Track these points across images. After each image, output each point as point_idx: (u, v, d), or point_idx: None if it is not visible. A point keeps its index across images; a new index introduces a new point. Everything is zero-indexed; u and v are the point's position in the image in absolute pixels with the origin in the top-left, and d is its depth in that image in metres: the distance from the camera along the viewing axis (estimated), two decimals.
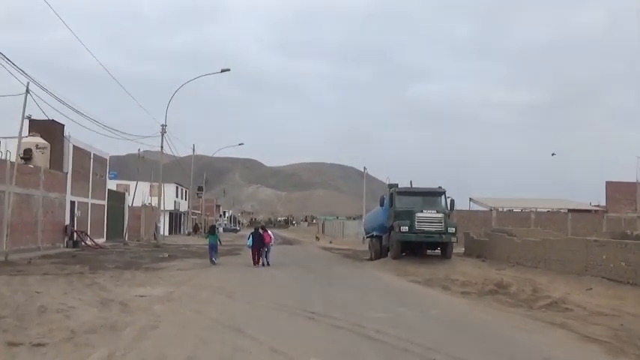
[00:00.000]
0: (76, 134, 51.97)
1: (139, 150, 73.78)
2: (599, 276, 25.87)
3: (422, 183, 44.04)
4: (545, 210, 74.77)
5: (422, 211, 38.02)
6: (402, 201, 40.21)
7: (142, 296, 20.70)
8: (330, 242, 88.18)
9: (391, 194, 41.54)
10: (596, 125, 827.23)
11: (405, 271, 34.68)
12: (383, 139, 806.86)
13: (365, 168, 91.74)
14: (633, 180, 75.55)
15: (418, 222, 37.66)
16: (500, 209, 72.51)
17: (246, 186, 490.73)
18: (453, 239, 38.28)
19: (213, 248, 39.20)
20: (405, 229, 37.69)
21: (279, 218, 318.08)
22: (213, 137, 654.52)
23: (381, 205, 42.61)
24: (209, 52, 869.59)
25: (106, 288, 22.87)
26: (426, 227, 37.70)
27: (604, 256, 26.10)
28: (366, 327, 15.35)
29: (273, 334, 14.19)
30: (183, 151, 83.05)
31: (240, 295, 22.34)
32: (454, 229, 38.50)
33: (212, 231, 41.74)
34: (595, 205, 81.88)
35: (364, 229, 56.77)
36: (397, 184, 42.42)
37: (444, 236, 37.76)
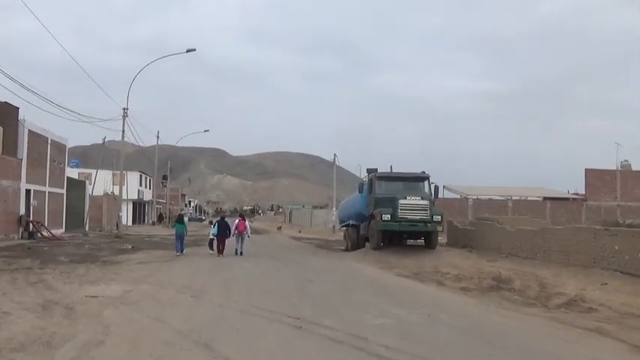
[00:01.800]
0: (35, 121, 49.03)
1: (103, 139, 70.37)
2: (610, 269, 23.62)
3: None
4: (523, 198, 72.38)
5: (405, 198, 35.08)
6: (383, 187, 37.38)
7: (92, 297, 17.65)
8: (300, 232, 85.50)
9: (370, 180, 38.73)
10: (567, 114, 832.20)
11: (387, 263, 32.03)
12: (350, 129, 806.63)
13: (335, 155, 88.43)
14: (613, 167, 73.57)
15: (401, 209, 34.74)
16: (475, 197, 70.02)
17: (212, 175, 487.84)
18: (439, 228, 35.54)
19: (180, 238, 37.07)
20: (387, 217, 34.80)
21: (245, 208, 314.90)
22: (179, 127, 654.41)
23: (360, 191, 39.79)
24: (175, 42, 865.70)
25: (54, 287, 19.77)
26: (410, 215, 34.79)
27: (616, 247, 23.68)
28: (368, 339, 12.40)
29: (253, 353, 11.26)
30: (148, 141, 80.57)
31: (209, 294, 19.25)
32: (440, 217, 35.52)
33: (180, 220, 39.51)
34: (573, 193, 79.50)
35: (339, 218, 53.86)
36: (376, 169, 39.21)
37: (429, 225, 34.88)
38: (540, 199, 73.17)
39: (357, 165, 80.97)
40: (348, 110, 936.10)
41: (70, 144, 61.73)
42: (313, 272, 27.61)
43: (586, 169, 73.96)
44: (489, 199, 70.68)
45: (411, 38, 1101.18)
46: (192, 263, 31.14)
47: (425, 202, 35.25)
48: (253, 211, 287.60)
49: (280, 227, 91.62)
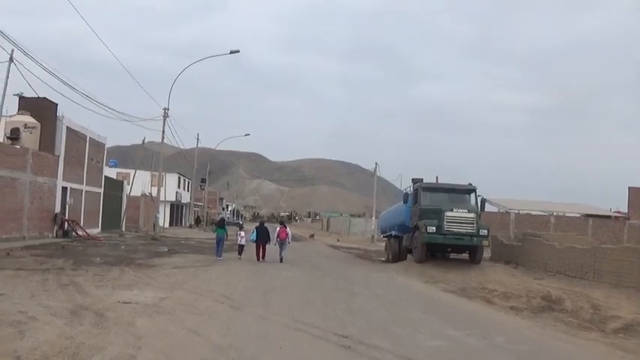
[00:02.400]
0: (74, 119, 48.46)
1: (143, 139, 69.62)
2: None
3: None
4: (564, 214, 70.87)
5: (452, 210, 33.95)
6: (429, 198, 36.21)
7: (125, 303, 16.62)
8: (338, 240, 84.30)
9: (416, 190, 37.41)
10: (604, 130, 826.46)
11: (431, 276, 30.90)
12: (386, 138, 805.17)
13: (376, 164, 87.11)
14: None
15: (447, 222, 33.62)
16: (516, 211, 68.67)
17: (250, 180, 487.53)
18: (485, 242, 34.50)
19: (220, 242, 36.47)
20: (432, 229, 33.60)
21: (282, 214, 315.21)
22: (219, 130, 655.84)
23: (405, 201, 38.35)
24: (215, 46, 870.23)
25: (85, 290, 18.79)
26: (456, 228, 33.65)
27: None
28: None
29: None
30: (188, 144, 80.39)
31: (249, 305, 18.12)
32: (486, 231, 34.34)
33: (221, 224, 38.97)
34: (616, 212, 77.90)
35: (380, 228, 52.83)
36: (422, 179, 38.08)
37: (474, 239, 33.69)
38: (581, 215, 71.44)
39: (398, 175, 79.73)
40: (388, 119, 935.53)
41: (109, 144, 61.38)
42: (356, 284, 26.56)
43: (629, 188, 72.44)
44: (530, 214, 69.27)
45: (451, 49, 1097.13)
46: (231, 270, 30.10)
47: (472, 215, 34.09)
48: (290, 218, 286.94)
49: (313, 235, 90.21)
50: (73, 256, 30.70)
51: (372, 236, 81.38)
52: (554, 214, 68.50)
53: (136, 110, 65.72)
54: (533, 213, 69.32)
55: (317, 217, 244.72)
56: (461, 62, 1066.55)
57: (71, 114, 46.89)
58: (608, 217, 73.57)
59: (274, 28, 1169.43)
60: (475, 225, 33.74)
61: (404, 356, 11.87)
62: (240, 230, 39.96)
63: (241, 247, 37.93)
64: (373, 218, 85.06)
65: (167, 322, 14.22)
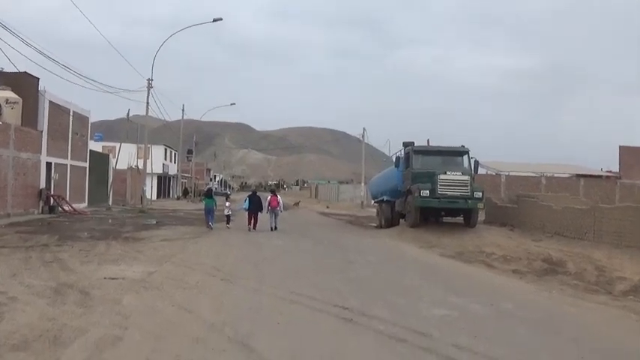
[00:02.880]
0: (58, 94, 47.53)
1: (127, 111, 68.81)
2: None
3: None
4: (555, 175, 70.17)
5: (445, 173, 33.30)
6: (421, 161, 35.50)
7: (111, 279, 15.89)
8: (327, 207, 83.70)
9: (407, 153, 36.66)
10: (591, 91, 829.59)
11: (427, 241, 30.26)
12: (372, 105, 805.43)
13: (364, 129, 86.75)
14: None
15: (441, 185, 32.94)
16: (507, 173, 67.99)
17: (237, 150, 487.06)
18: (480, 205, 33.68)
19: (210, 212, 36.75)
20: (425, 193, 32.94)
21: (270, 182, 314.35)
22: (205, 102, 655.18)
23: (396, 165, 37.78)
24: (199, 17, 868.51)
25: (70, 267, 18.00)
26: (450, 191, 33.01)
27: None
28: (434, 336, 10.61)
29: (301, 354, 9.42)
30: (173, 116, 79.82)
31: (241, 277, 17.30)
32: (481, 193, 33.70)
33: (209, 194, 39.47)
34: (607, 171, 77.32)
35: (371, 194, 51.99)
36: (413, 142, 37.10)
37: (469, 202, 33.07)
38: (572, 176, 70.78)
39: (387, 140, 78.99)
40: (373, 86, 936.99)
41: (94, 118, 60.83)
42: (350, 251, 25.82)
43: (620, 147, 72.28)
44: (520, 175, 68.56)
45: (436, 14, 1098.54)
46: (220, 240, 29.45)
47: (466, 177, 33.46)
48: (278, 186, 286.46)
49: (298, 203, 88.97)
50: (59, 231, 29.93)
51: (362, 202, 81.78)
52: (545, 174, 67.73)
53: (121, 84, 65.26)
54: (524, 174, 68.52)
55: (305, 185, 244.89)
56: (447, 26, 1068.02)
57: (54, 89, 45.75)
58: (599, 176, 72.98)
59: None
60: (469, 187, 33.16)
61: (410, 328, 11.10)
62: (226, 200, 40.54)
63: (228, 217, 38.41)
64: (362, 184, 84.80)
65: (155, 299, 13.42)
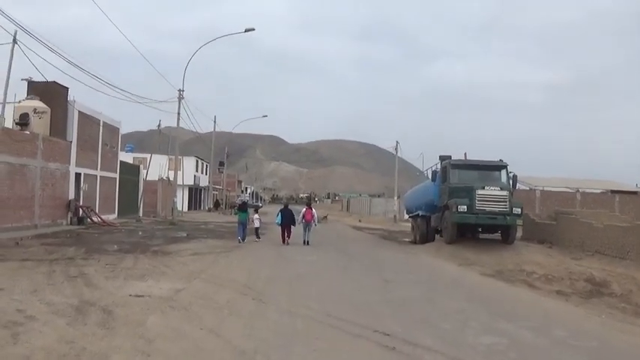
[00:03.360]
0: (89, 105, 47.12)
1: (159, 122, 68.39)
2: None
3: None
4: (590, 191, 68.85)
5: (483, 188, 32.36)
6: (458, 175, 34.51)
7: (137, 296, 15.10)
8: (360, 220, 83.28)
9: (444, 167, 35.67)
10: (622, 106, 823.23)
11: (464, 258, 29.30)
12: (404, 119, 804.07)
13: (397, 142, 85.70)
14: None
15: (479, 200, 32.00)
16: (541, 188, 66.80)
17: (268, 162, 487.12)
18: (519, 221, 33.11)
19: (243, 226, 36.06)
20: (463, 208, 31.99)
21: (301, 195, 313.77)
22: (237, 114, 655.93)
23: (433, 179, 36.86)
24: (228, 30, 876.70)
25: (94, 282, 17.22)
26: (489, 207, 32.05)
27: None
28: None
29: None
30: (205, 128, 79.98)
31: (274, 296, 16.36)
32: (520, 209, 32.95)
33: (243, 207, 38.59)
34: None
35: (406, 208, 50.84)
36: (450, 156, 36.44)
37: (508, 218, 32.02)
38: (607, 192, 69.47)
39: (420, 154, 78.19)
40: (406, 99, 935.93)
41: (126, 130, 60.75)
42: (387, 269, 24.80)
43: None
44: (555, 191, 67.30)
45: (466, 28, 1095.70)
46: (252, 255, 28.58)
47: (504, 192, 32.51)
48: (309, 199, 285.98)
49: (326, 217, 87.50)
50: (86, 244, 29.37)
51: (395, 216, 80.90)
52: (580, 190, 66.50)
53: (152, 95, 64.83)
54: (558, 190, 67.31)
55: (336, 198, 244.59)
56: (475, 40, 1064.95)
57: (84, 100, 45.31)
58: (634, 192, 71.66)
59: (288, 10, 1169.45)
60: (508, 203, 32.21)
61: (457, 358, 10.18)
62: (255, 213, 39.96)
63: (257, 230, 37.89)
64: (395, 198, 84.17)
65: (182, 320, 12.55)
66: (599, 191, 69.20)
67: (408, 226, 49.42)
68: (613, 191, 68.60)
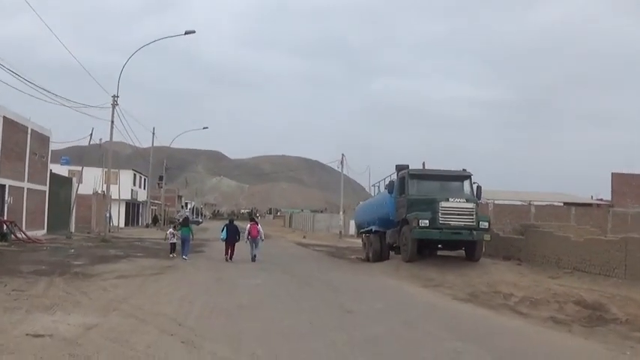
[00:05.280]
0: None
1: (91, 130, 64.65)
2: None
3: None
4: (544, 203, 66.63)
5: (447, 200, 29.43)
6: (417, 186, 31.72)
7: (35, 336, 11.79)
8: (304, 237, 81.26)
9: (401, 177, 32.77)
10: (566, 124, 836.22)
11: (428, 279, 26.28)
12: (349, 135, 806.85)
13: (343, 155, 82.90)
14: None
15: (443, 214, 29.12)
16: (492, 202, 64.48)
17: (209, 177, 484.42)
18: (486, 237, 29.86)
19: (185, 242, 34.98)
20: (425, 222, 29.05)
21: (242, 210, 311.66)
22: (177, 129, 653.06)
23: (390, 191, 33.46)
24: (174, 45, 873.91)
25: None
26: (453, 221, 29.17)
27: None
28: None
29: None
30: (146, 143, 77.53)
31: (210, 337, 12.69)
32: (487, 223, 30.08)
33: (185, 223, 37.46)
34: (598, 199, 74.69)
35: (356, 223, 48.27)
36: (407, 165, 33.42)
37: (474, 233, 29.14)
38: (561, 204, 67.43)
39: (367, 167, 75.81)
40: (347, 116, 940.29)
41: (66, 144, 60.42)
42: (346, 295, 21.30)
43: (612, 174, 70.30)
44: (509, 204, 65.02)
45: (410, 45, 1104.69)
46: (187, 278, 25.19)
47: (471, 205, 29.77)
48: (251, 214, 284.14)
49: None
50: (1, 263, 26.11)
51: (340, 232, 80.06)
52: (533, 202, 64.26)
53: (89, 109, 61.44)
54: (512, 203, 65.04)
55: (278, 214, 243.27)
56: (422, 58, 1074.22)
57: (18, 110, 42.09)
58: (589, 204, 69.90)
59: (232, 24, 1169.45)
60: (475, 217, 29.45)
61: None
62: (171, 228, 40.61)
63: (173, 246, 36.05)
64: (341, 213, 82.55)
65: None
66: (552, 203, 67.29)
67: (354, 242, 47.18)
68: (566, 203, 66.78)
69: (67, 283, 20.41)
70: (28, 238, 41.52)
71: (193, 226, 41.70)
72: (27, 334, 11.83)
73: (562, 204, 67.34)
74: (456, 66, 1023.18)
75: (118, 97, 51.58)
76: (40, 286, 19.06)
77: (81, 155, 66.59)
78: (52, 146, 55.13)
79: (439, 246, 32.02)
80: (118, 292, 18.84)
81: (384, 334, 13.98)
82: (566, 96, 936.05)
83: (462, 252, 31.71)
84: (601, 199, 74.54)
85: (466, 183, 32.22)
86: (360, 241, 46.29)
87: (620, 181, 69.12)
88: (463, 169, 32.94)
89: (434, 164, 32.18)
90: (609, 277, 23.81)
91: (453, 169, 33.32)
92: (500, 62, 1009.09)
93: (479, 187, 32.31)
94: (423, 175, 32.59)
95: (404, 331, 14.57)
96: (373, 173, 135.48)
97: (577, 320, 16.75)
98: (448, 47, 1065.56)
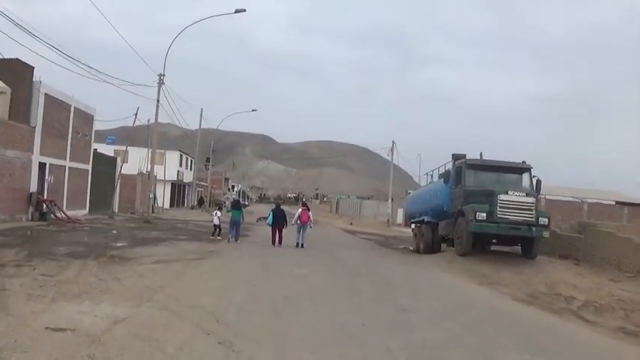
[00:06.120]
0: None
1: (136, 110, 63.71)
2: None
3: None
4: (595, 201, 64.60)
5: (507, 193, 27.80)
6: (474, 177, 30.23)
7: (56, 330, 10.54)
8: (351, 224, 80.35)
9: (458, 167, 31.27)
10: (617, 121, 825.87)
11: (483, 275, 24.86)
12: (396, 123, 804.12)
13: (393, 142, 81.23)
14: None
15: (501, 207, 27.50)
16: (543, 197, 62.67)
17: (257, 161, 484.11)
18: (545, 234, 28.01)
19: (235, 225, 34.75)
20: (482, 216, 27.46)
21: (289, 195, 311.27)
22: (225, 113, 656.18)
23: (446, 181, 32.04)
24: (222, 31, 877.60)
25: (8, 304, 12.57)
26: (512, 215, 27.55)
27: None
28: None
29: None
30: (194, 126, 77.51)
31: (250, 337, 11.29)
32: (547, 220, 28.17)
33: (236, 205, 37.40)
34: None
35: (407, 212, 46.70)
36: (465, 155, 31.85)
37: (534, 229, 27.46)
38: (613, 203, 65.35)
39: (418, 154, 74.13)
40: (396, 105, 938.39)
41: (114, 125, 61.80)
42: (400, 290, 19.89)
43: None
44: (561, 200, 63.02)
45: (460, 37, 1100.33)
46: (229, 264, 24.01)
47: (530, 199, 28.12)
48: (297, 199, 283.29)
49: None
50: (36, 244, 24.74)
51: (388, 220, 79.38)
52: (586, 200, 62.25)
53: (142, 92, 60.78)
54: (564, 199, 63.01)
55: (325, 199, 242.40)
56: (471, 48, 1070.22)
57: (58, 85, 41.19)
58: None
59: (281, 10, 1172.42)
60: (534, 212, 27.82)
61: None
62: (217, 209, 39.35)
63: (216, 228, 35.95)
64: (389, 201, 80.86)
65: None
66: (606, 202, 65.19)
67: (402, 231, 45.78)
68: (619, 202, 64.72)
69: (100, 267, 19.18)
70: (68, 217, 40.67)
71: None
72: (47, 328, 10.63)
73: (614, 203, 65.45)
74: (504, 57, 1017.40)
75: (164, 75, 50.78)
76: (71, 271, 17.86)
77: (129, 136, 65.76)
78: (100, 126, 54.39)
79: (494, 241, 30.60)
80: (155, 279, 17.60)
81: (444, 340, 12.52)
82: (617, 92, 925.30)
83: (516, 248, 30.33)
84: None
85: (525, 176, 30.73)
86: (409, 230, 45.33)
87: None
88: (523, 162, 31.35)
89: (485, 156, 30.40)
90: None
91: (512, 161, 31.61)
92: (550, 55, 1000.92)
93: (539, 181, 30.70)
94: (481, 166, 30.87)
95: (466, 336, 13.10)
96: (426, 161, 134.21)
97: None
98: (499, 39, 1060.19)
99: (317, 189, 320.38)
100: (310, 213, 35.58)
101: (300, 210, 35.26)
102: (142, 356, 9.42)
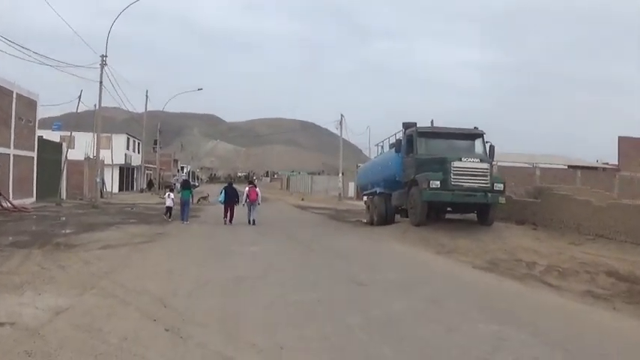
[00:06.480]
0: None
1: (80, 92, 62.56)
2: None
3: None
4: (547, 166, 64.72)
5: (460, 160, 27.38)
6: (426, 145, 29.80)
7: None
8: (302, 199, 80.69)
9: (409, 136, 30.76)
10: (562, 89, 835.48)
11: (440, 244, 24.39)
12: (342, 98, 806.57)
13: (342, 116, 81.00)
14: None
15: (455, 174, 27.11)
16: (495, 163, 62.57)
17: (205, 141, 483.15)
18: (502, 199, 27.83)
19: (185, 205, 35.04)
20: (436, 184, 27.08)
21: (239, 174, 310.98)
22: (172, 94, 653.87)
23: (397, 150, 31.48)
24: (166, 12, 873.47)
25: None
26: (467, 182, 27.19)
27: None
28: None
29: None
30: (140, 109, 76.41)
31: (199, 322, 10.63)
32: (502, 185, 28.06)
33: (186, 185, 38.21)
34: (604, 163, 73.68)
35: (359, 185, 46.29)
36: (415, 123, 31.25)
37: (489, 195, 27.17)
38: (565, 167, 65.79)
39: (365, 127, 73.35)
40: (343, 78, 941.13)
41: (60, 111, 60.68)
42: (354, 264, 19.40)
43: (619, 137, 69.79)
44: (514, 166, 62.98)
45: (406, 8, 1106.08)
46: (178, 246, 23.35)
47: (485, 165, 27.84)
48: (247, 178, 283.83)
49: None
50: None
51: (340, 194, 79.71)
52: (538, 165, 62.36)
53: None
54: (516, 165, 63.00)
55: (275, 177, 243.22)
56: (418, 20, 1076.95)
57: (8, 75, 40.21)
58: (595, 168, 68.32)
59: None
60: (489, 178, 27.55)
61: None
62: (168, 191, 40.16)
63: (169, 209, 36.34)
64: (340, 175, 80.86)
65: None
66: (559, 167, 65.46)
67: (354, 204, 45.57)
68: (571, 166, 65.04)
69: (45, 256, 18.31)
70: (14, 206, 39.51)
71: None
72: None
73: (566, 167, 65.73)
74: (452, 29, 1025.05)
75: (106, 56, 49.75)
76: (14, 261, 16.99)
77: (76, 122, 64.70)
78: (46, 113, 53.41)
79: (448, 209, 30.37)
80: (101, 266, 16.80)
81: (406, 314, 11.88)
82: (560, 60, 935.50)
83: (471, 215, 30.09)
84: (606, 163, 73.32)
85: (478, 142, 30.32)
86: (361, 203, 45.25)
87: (627, 145, 67.87)
88: (475, 127, 31.04)
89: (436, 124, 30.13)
90: (638, 246, 22.03)
91: (464, 128, 31.29)
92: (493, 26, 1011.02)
93: (492, 147, 30.48)
94: (433, 134, 30.46)
95: (428, 309, 12.46)
96: (375, 133, 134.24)
97: (616, 295, 14.77)
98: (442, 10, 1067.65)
99: (267, 170, 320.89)
100: (258, 190, 35.77)
101: (247, 188, 35.59)
102: (82, 349, 8.69)
